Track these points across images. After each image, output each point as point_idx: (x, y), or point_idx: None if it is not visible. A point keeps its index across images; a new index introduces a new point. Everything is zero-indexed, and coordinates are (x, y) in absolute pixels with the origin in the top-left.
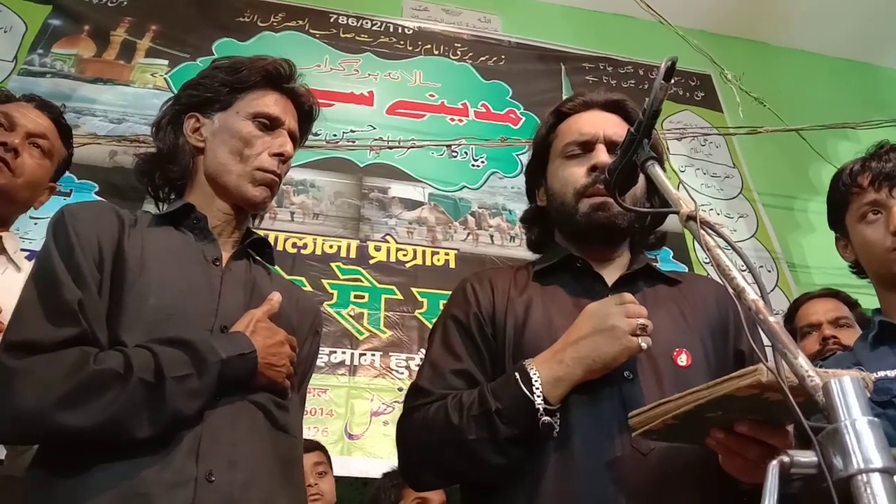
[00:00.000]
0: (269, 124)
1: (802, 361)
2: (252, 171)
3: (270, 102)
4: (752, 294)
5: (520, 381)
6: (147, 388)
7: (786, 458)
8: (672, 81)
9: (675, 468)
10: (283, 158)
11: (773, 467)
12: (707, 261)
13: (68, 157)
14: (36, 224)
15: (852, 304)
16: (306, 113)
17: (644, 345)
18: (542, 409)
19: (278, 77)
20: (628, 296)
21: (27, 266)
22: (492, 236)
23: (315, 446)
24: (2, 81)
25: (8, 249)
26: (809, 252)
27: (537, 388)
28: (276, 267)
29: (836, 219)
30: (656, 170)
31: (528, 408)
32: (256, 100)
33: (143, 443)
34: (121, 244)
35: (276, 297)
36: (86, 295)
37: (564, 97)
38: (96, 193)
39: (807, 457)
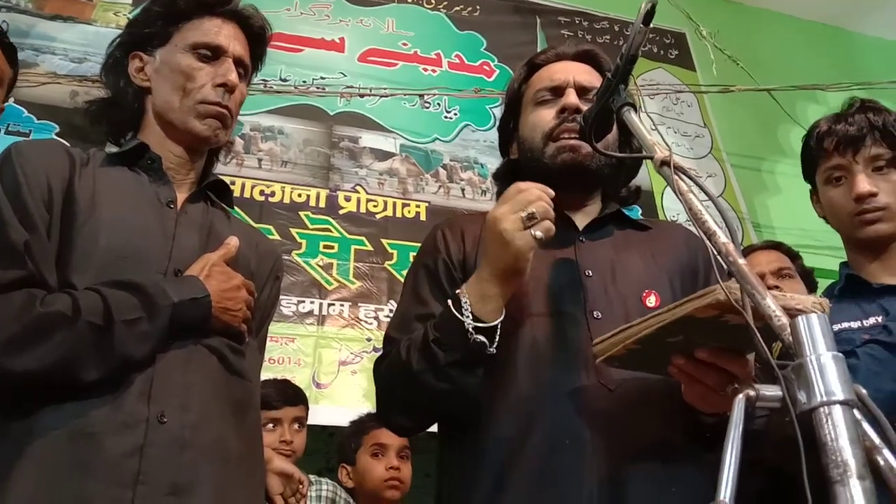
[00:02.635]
0: (211, 54)
1: (770, 302)
2: (195, 106)
3: (210, 30)
4: (722, 237)
5: (451, 306)
6: (95, 331)
7: (752, 392)
8: (650, 26)
9: (640, 403)
10: (227, 88)
11: (739, 401)
12: (675, 218)
13: (14, 77)
14: None
15: (794, 256)
16: (256, 35)
17: (538, 234)
18: (471, 329)
19: (215, 2)
20: (515, 186)
21: None
22: (463, 189)
23: (300, 399)
24: None
25: None
26: (775, 213)
27: (466, 310)
28: (244, 214)
29: (809, 175)
30: (632, 116)
31: (461, 330)
32: (194, 29)
33: (93, 385)
34: (71, 183)
35: (233, 241)
36: (33, 236)
37: (539, 51)
38: (57, 135)
39: (772, 391)
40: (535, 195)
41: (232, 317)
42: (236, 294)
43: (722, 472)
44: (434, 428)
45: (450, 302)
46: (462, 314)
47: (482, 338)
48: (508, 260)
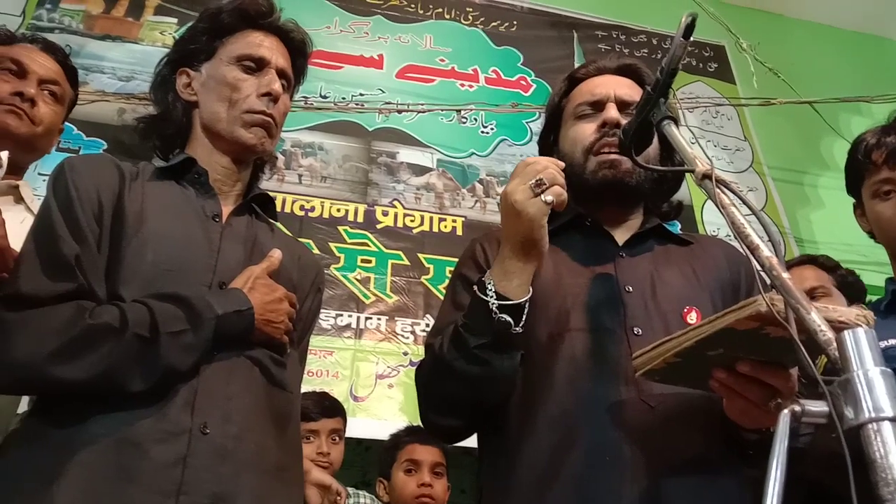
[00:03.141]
0: (255, 66)
1: (815, 316)
2: (241, 115)
3: (253, 43)
4: (766, 251)
5: (477, 290)
6: (142, 343)
7: (797, 408)
8: (690, 39)
9: (681, 419)
10: (271, 97)
11: (784, 416)
12: (715, 232)
13: (75, 98)
14: (44, 180)
15: (831, 268)
16: (297, 48)
17: (548, 198)
18: (495, 308)
19: (257, 15)
20: (525, 160)
21: None
22: (499, 204)
23: (338, 412)
24: None
25: (25, 198)
26: (818, 227)
27: (490, 289)
28: (285, 229)
29: (854, 188)
30: (672, 129)
31: (485, 311)
32: (237, 42)
33: (139, 395)
34: (121, 197)
35: (276, 253)
36: (83, 249)
37: (576, 65)
38: (104, 151)
39: (817, 406)
40: (543, 165)
41: (274, 329)
42: (279, 306)
43: (767, 487)
44: (470, 443)
45: (475, 287)
46: (486, 295)
47: (507, 317)
48: (524, 230)
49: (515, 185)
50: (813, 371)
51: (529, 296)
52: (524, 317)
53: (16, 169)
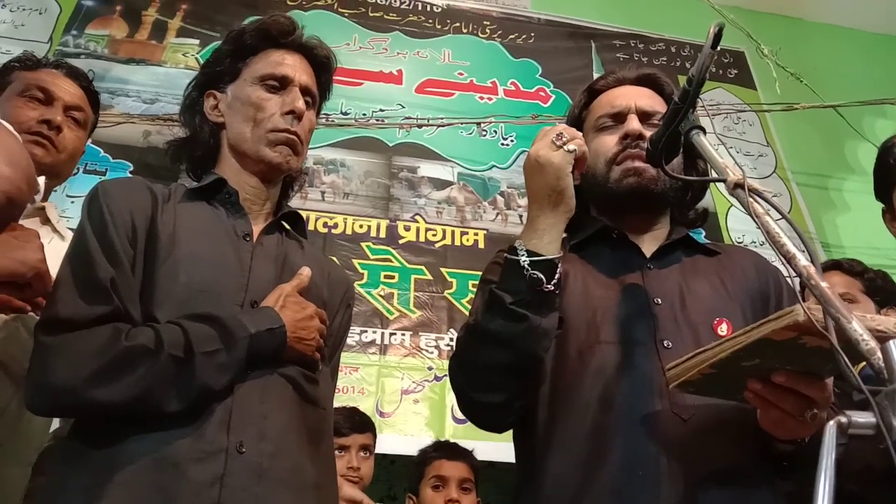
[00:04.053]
0: (278, 84)
1: (856, 325)
2: (266, 134)
3: (276, 62)
4: (802, 260)
5: (506, 253)
6: (177, 364)
7: (843, 419)
8: (718, 49)
9: (714, 431)
10: (295, 115)
11: (831, 427)
12: (740, 240)
13: (95, 122)
14: (73, 203)
15: (858, 273)
16: (321, 64)
17: (570, 147)
18: (526, 265)
19: (279, 34)
20: (548, 127)
21: (70, 235)
22: (521, 216)
23: (368, 427)
24: None
25: (52, 220)
26: (844, 232)
27: (521, 250)
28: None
29: (883, 192)
30: (702, 139)
31: (518, 270)
32: (261, 62)
33: (175, 415)
34: (154, 220)
35: (305, 271)
36: (118, 272)
37: (595, 75)
38: (131, 173)
39: (864, 417)
40: (561, 126)
41: (306, 346)
42: (310, 324)
43: (816, 501)
44: (495, 457)
45: (506, 254)
46: (517, 255)
47: (538, 273)
48: (550, 180)
49: (538, 145)
50: (858, 381)
51: (560, 255)
52: (557, 274)
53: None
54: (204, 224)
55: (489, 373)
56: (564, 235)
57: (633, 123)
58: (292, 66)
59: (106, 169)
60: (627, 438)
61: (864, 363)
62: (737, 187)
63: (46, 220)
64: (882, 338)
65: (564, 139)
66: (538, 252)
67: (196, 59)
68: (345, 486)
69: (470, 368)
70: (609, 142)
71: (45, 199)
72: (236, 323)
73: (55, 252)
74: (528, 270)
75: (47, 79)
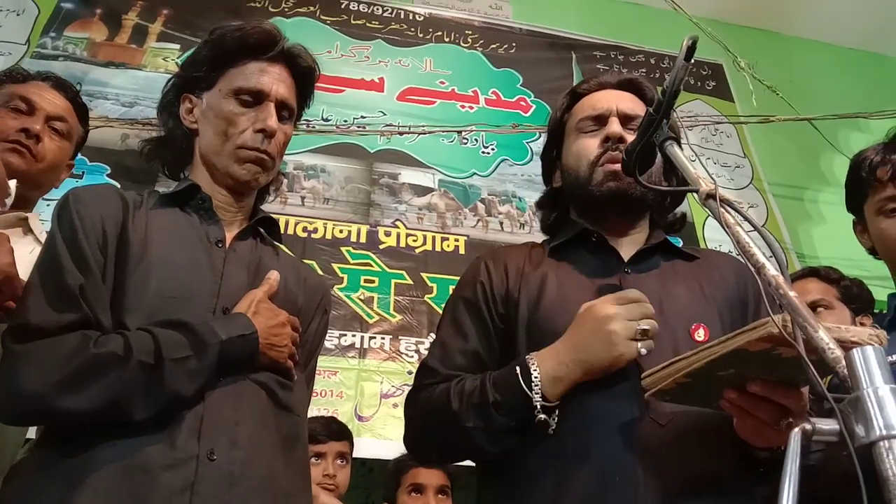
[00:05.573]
0: (252, 99)
1: (823, 334)
2: (235, 150)
3: (252, 75)
4: (771, 269)
5: (520, 376)
6: (146, 370)
7: (808, 426)
8: (692, 62)
9: (691, 437)
10: (266, 134)
11: (795, 435)
12: (717, 248)
13: (84, 135)
14: (48, 206)
15: (834, 280)
16: (303, 74)
17: (643, 350)
18: (538, 407)
19: (258, 47)
20: (636, 294)
21: None
22: (501, 223)
23: (345, 435)
24: (14, 65)
25: (34, 230)
26: (819, 243)
27: (536, 385)
28: (287, 251)
29: (855, 205)
30: (675, 150)
31: (525, 403)
32: (237, 74)
33: (146, 422)
34: (125, 227)
35: (273, 275)
36: (88, 279)
37: (581, 80)
38: (108, 176)
39: (828, 424)
40: (651, 312)
41: (278, 353)
42: (282, 330)
43: None
44: (474, 463)
45: (518, 369)
46: (532, 390)
47: (545, 416)
48: (604, 361)
49: (621, 314)
50: (822, 389)
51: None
52: (556, 417)
53: (23, 202)
54: (176, 230)
55: (445, 448)
56: (545, 238)
57: (615, 126)
58: (270, 79)
59: (83, 172)
60: (603, 444)
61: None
62: (709, 198)
63: (29, 231)
64: (850, 347)
65: (647, 337)
66: (547, 398)
67: (176, 63)
68: (321, 495)
69: (425, 432)
70: (591, 145)
71: (29, 209)
72: (207, 329)
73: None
74: (538, 412)
75: (32, 90)
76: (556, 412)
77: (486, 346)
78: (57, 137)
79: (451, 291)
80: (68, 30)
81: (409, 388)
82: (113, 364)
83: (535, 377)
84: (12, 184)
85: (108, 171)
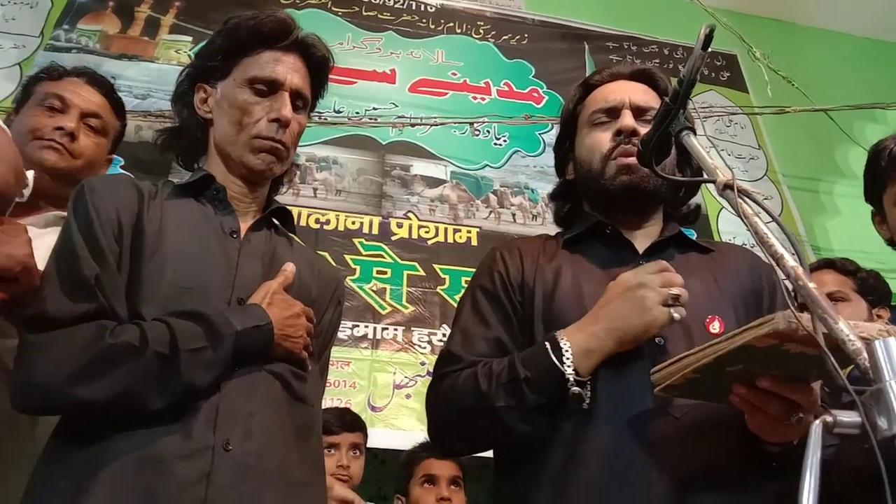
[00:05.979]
0: (267, 88)
1: (843, 325)
2: (250, 140)
3: (266, 64)
4: (790, 261)
5: (550, 351)
6: (162, 361)
7: (829, 418)
8: (709, 51)
9: (705, 430)
10: (281, 123)
11: (817, 426)
12: (730, 241)
13: (122, 129)
14: None
15: (850, 272)
16: (318, 64)
17: (677, 315)
18: (572, 380)
19: (272, 36)
20: (663, 263)
21: None
22: (514, 215)
23: (359, 426)
24: (28, 57)
25: None
26: (834, 235)
27: (567, 359)
28: (300, 242)
29: (873, 195)
30: (692, 140)
31: (557, 378)
32: (252, 64)
33: (162, 413)
34: (140, 217)
35: (289, 267)
36: (104, 269)
37: (594, 71)
38: (122, 168)
39: (849, 417)
40: (680, 280)
41: (293, 344)
42: (297, 321)
43: (801, 499)
44: (487, 455)
45: (547, 345)
46: (563, 363)
47: (580, 389)
48: (638, 327)
49: (653, 282)
50: (843, 381)
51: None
52: (589, 390)
53: (61, 202)
54: (191, 221)
55: (473, 435)
56: (559, 231)
57: (627, 120)
58: (284, 68)
59: None
60: (616, 437)
61: (851, 366)
62: (726, 188)
63: None
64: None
65: (679, 303)
66: (580, 372)
67: (189, 55)
68: (336, 486)
69: (452, 418)
70: (603, 138)
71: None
72: (222, 320)
73: None
74: (571, 385)
75: (66, 87)
76: (589, 385)
77: (508, 332)
78: (92, 134)
79: (463, 283)
80: (81, 22)
81: (423, 378)
82: (128, 354)
83: (566, 350)
84: (30, 174)
85: (122, 163)
